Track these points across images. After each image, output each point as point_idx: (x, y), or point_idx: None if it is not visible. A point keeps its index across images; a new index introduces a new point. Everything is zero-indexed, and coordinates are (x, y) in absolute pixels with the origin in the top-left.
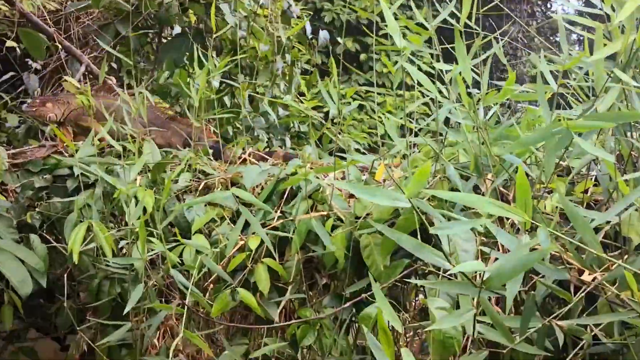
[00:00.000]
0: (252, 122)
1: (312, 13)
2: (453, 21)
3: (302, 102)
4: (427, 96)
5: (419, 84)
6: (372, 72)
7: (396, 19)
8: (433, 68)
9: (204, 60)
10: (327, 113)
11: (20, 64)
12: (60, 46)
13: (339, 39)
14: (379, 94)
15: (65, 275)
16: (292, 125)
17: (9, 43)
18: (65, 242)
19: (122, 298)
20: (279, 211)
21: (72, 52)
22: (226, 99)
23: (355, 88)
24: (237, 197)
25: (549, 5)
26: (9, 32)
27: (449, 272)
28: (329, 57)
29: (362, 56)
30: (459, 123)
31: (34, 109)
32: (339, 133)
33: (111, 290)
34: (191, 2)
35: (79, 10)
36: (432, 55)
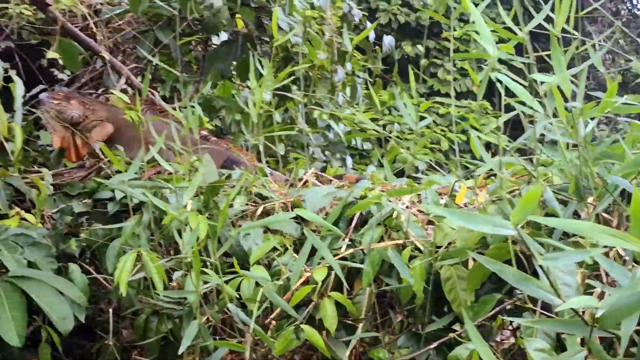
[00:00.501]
0: (309, 139)
1: (366, 14)
2: (549, 26)
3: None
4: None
5: (508, 95)
6: (434, 79)
7: (466, 21)
8: (524, 78)
9: (261, 71)
10: (383, 127)
11: (45, 74)
12: (98, 56)
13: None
14: (459, 106)
15: (110, 310)
16: (353, 142)
17: (50, 54)
18: (105, 272)
19: (172, 336)
20: (347, 239)
21: (111, 63)
22: (277, 113)
23: (429, 102)
24: (301, 222)
25: (635, 2)
26: (33, 39)
27: (556, 309)
28: (376, 61)
29: (423, 61)
30: (555, 140)
31: (56, 102)
32: (407, 149)
33: (160, 327)
34: (242, 7)
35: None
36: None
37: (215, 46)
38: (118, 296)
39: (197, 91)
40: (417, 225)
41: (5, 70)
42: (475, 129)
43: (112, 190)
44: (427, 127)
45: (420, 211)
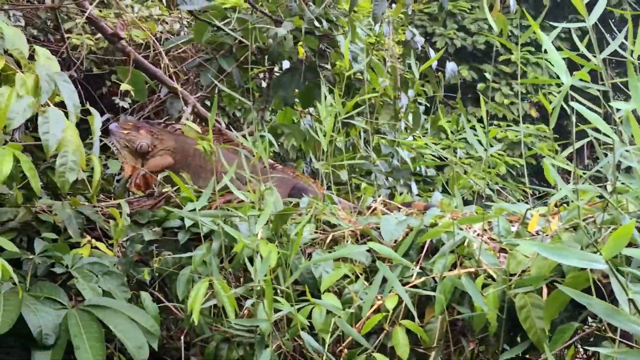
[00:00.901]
0: (373, 166)
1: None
2: (625, 53)
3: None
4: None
5: (581, 122)
6: (491, 104)
7: (524, 45)
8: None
9: (330, 99)
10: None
11: (106, 102)
12: (165, 85)
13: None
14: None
15: (182, 338)
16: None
17: (124, 86)
18: (175, 299)
19: None
20: (418, 267)
21: (177, 92)
22: (338, 140)
23: (496, 129)
24: (371, 251)
25: None
26: (95, 68)
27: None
28: (439, 87)
29: (480, 85)
30: (630, 167)
31: (125, 132)
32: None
33: (230, 354)
34: (306, 35)
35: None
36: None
37: (277, 74)
38: (189, 324)
39: (262, 119)
40: (490, 253)
41: (82, 103)
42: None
43: (181, 219)
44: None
45: (491, 239)
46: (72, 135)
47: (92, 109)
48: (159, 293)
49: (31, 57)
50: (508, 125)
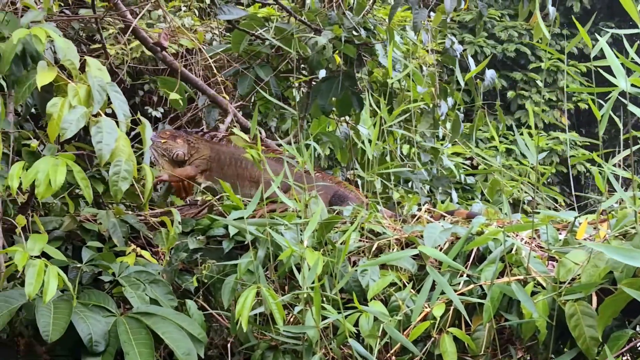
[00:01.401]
0: (412, 174)
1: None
2: None
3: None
4: None
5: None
6: (521, 111)
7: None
8: None
9: (375, 108)
10: (471, 159)
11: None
12: (205, 94)
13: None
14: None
15: (229, 346)
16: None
17: (173, 96)
18: (219, 307)
19: None
20: (465, 275)
21: (217, 101)
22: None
23: (544, 138)
24: (417, 258)
25: None
26: (128, 79)
27: None
28: (470, 94)
29: (510, 93)
30: None
31: (163, 141)
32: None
33: None
34: (346, 44)
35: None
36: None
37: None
38: (235, 331)
39: (302, 127)
40: (538, 261)
41: (146, 114)
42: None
43: (226, 227)
44: (515, 159)
45: (539, 246)
46: (124, 144)
47: (142, 119)
48: (202, 301)
49: (81, 68)
50: (539, 133)
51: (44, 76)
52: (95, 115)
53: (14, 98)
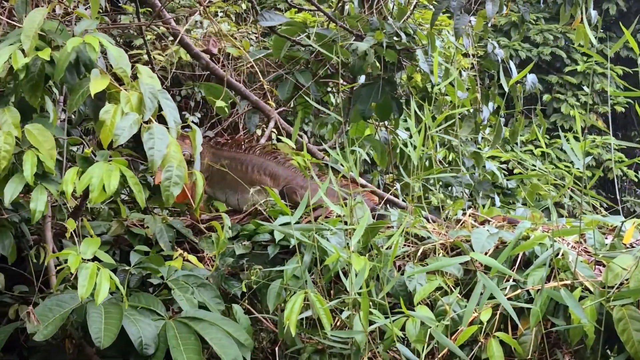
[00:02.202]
0: (454, 178)
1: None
2: None
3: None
4: None
5: None
6: (557, 115)
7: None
8: None
9: (419, 114)
10: (506, 162)
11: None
12: (247, 100)
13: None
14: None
15: (277, 350)
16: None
17: (219, 103)
18: (264, 311)
19: None
20: (511, 280)
21: (260, 107)
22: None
23: (588, 141)
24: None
25: None
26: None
27: None
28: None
29: (545, 97)
30: None
31: None
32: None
33: None
34: (387, 49)
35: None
36: None
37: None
38: (283, 335)
39: (342, 132)
40: (586, 266)
41: (184, 119)
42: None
43: (271, 233)
44: (551, 162)
45: (586, 251)
46: (175, 150)
47: (193, 125)
48: (248, 305)
49: (132, 76)
50: (575, 137)
51: (97, 84)
52: (146, 122)
53: (67, 105)
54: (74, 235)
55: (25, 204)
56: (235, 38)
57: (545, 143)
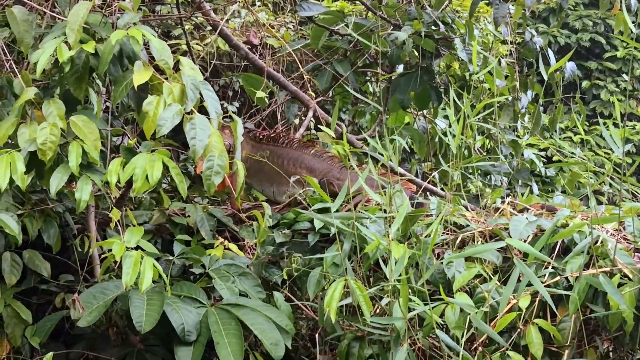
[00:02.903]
0: (492, 167)
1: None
2: None
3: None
4: None
5: None
6: (596, 101)
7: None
8: None
9: (458, 103)
10: (544, 150)
11: None
12: (286, 89)
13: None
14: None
15: (317, 336)
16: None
17: (259, 94)
18: (303, 299)
19: None
20: (550, 267)
21: (299, 97)
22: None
23: (628, 129)
24: (501, 250)
25: None
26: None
27: None
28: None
29: (585, 83)
30: None
31: None
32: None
33: (361, 352)
34: (425, 39)
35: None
36: None
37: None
38: (323, 322)
39: (382, 122)
40: (625, 253)
41: (222, 109)
42: None
43: (310, 221)
44: (590, 149)
45: (625, 238)
46: (216, 140)
47: (234, 116)
48: (288, 293)
49: (174, 67)
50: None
51: (140, 76)
52: (188, 113)
53: (111, 97)
54: (118, 224)
55: (69, 194)
56: (273, 27)
57: (585, 130)
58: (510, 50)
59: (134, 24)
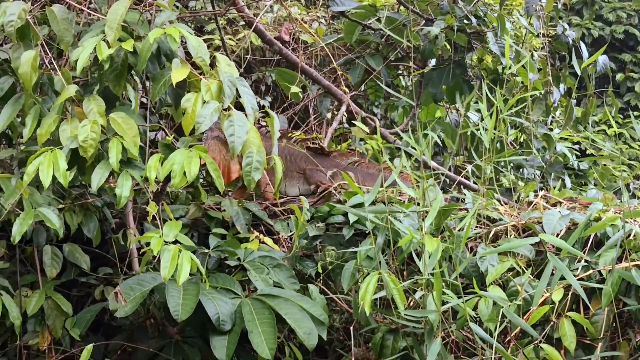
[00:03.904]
0: (525, 160)
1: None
2: None
3: None
4: None
5: None
6: (630, 94)
7: None
8: None
9: (491, 98)
10: (578, 143)
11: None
12: (319, 84)
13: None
14: None
15: (352, 329)
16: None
17: (293, 89)
18: (337, 291)
19: (412, 353)
20: (582, 261)
21: (332, 92)
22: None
23: None
24: (534, 244)
25: None
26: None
27: None
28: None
29: (619, 76)
30: None
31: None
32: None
33: (396, 344)
34: (458, 33)
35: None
36: None
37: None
38: (357, 315)
39: (414, 116)
40: None
41: (261, 106)
42: None
43: (344, 215)
44: (624, 142)
45: None
46: (254, 136)
47: (271, 112)
48: (322, 286)
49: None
50: None
51: (178, 73)
52: (226, 109)
53: (150, 94)
54: (156, 217)
55: (108, 189)
56: (305, 21)
57: (619, 123)
58: (543, 43)
59: (170, 22)
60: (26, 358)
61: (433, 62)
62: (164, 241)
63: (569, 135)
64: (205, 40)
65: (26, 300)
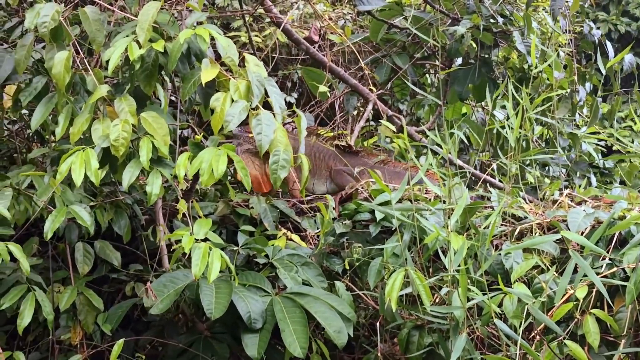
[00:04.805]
0: (550, 159)
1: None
2: None
3: None
4: None
5: None
6: None
7: None
8: None
9: (517, 97)
10: (605, 141)
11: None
12: (346, 83)
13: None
14: None
15: (378, 324)
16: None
17: (322, 88)
18: (364, 288)
19: (438, 348)
20: (607, 259)
21: (358, 90)
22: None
23: None
24: (559, 242)
25: None
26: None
27: None
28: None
29: None
30: None
31: (251, 135)
32: None
33: (421, 340)
34: (484, 32)
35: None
36: None
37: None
38: (383, 311)
39: (440, 114)
40: None
41: (288, 104)
42: None
43: (370, 212)
44: None
45: None
46: (281, 135)
47: (298, 111)
48: (349, 282)
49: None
50: None
51: (207, 73)
52: (254, 109)
53: (180, 94)
54: (185, 215)
55: (138, 186)
56: (331, 19)
57: None
58: (569, 40)
59: (200, 22)
60: (58, 352)
61: (459, 60)
62: (195, 239)
63: (596, 132)
64: (231, 37)
65: (58, 296)
